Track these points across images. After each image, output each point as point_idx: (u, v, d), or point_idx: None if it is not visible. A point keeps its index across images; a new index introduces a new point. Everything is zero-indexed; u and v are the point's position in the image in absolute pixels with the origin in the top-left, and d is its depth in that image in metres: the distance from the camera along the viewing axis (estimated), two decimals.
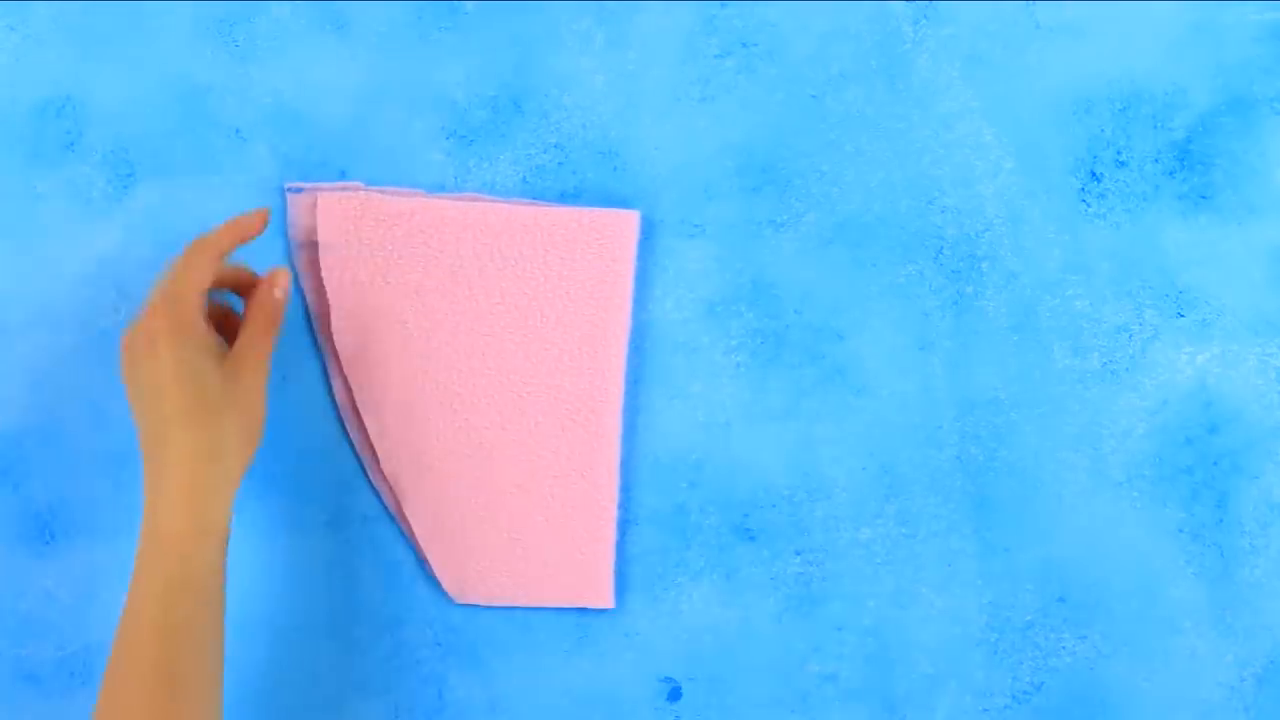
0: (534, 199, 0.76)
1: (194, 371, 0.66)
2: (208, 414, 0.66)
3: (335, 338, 0.74)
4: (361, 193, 0.75)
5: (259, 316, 0.70)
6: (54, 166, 0.77)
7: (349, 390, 0.75)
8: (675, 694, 0.75)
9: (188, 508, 0.65)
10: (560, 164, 0.76)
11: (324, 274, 0.74)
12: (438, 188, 0.76)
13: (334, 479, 0.75)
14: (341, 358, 0.75)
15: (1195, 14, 0.76)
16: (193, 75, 0.77)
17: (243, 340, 0.69)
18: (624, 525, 0.75)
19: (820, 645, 0.74)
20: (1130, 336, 0.75)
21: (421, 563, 0.75)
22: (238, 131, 0.77)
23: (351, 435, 0.75)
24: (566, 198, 0.76)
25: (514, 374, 0.75)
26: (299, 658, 0.74)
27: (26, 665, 0.75)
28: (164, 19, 0.77)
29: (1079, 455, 0.75)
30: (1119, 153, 0.76)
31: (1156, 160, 0.76)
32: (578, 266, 0.75)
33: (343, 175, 0.76)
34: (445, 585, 0.74)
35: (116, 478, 0.75)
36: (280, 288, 0.70)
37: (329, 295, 0.75)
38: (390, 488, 0.74)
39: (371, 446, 0.75)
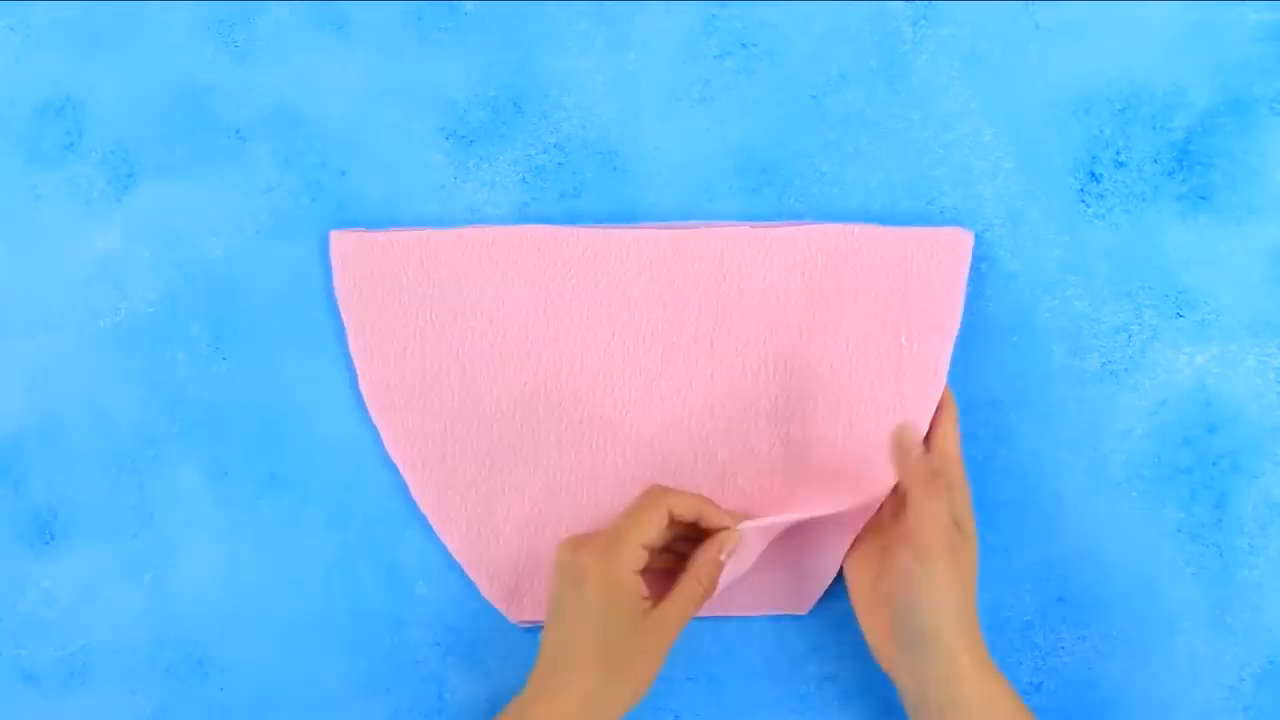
0: (534, 199, 0.76)
1: (611, 624, 0.66)
2: (609, 665, 0.66)
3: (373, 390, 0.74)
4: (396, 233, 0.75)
5: (695, 586, 0.68)
6: (54, 166, 0.77)
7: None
8: (675, 694, 0.75)
9: None
10: (560, 164, 0.76)
11: (346, 314, 0.75)
12: (437, 188, 0.76)
13: (335, 479, 0.75)
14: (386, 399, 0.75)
15: (1195, 14, 0.76)
16: (193, 75, 0.77)
17: (672, 604, 0.67)
18: None
19: (820, 645, 0.75)
20: (1129, 337, 0.75)
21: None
22: (238, 131, 0.77)
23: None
24: (566, 198, 0.76)
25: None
26: (299, 658, 0.75)
27: (26, 665, 0.75)
28: (164, 19, 0.77)
29: (1078, 455, 0.75)
30: (1118, 153, 0.76)
31: (1156, 160, 0.76)
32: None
33: (342, 175, 0.76)
34: (499, 608, 0.74)
35: (116, 478, 0.75)
36: (726, 551, 0.68)
37: (363, 337, 0.74)
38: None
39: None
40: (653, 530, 0.67)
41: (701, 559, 0.68)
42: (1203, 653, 0.74)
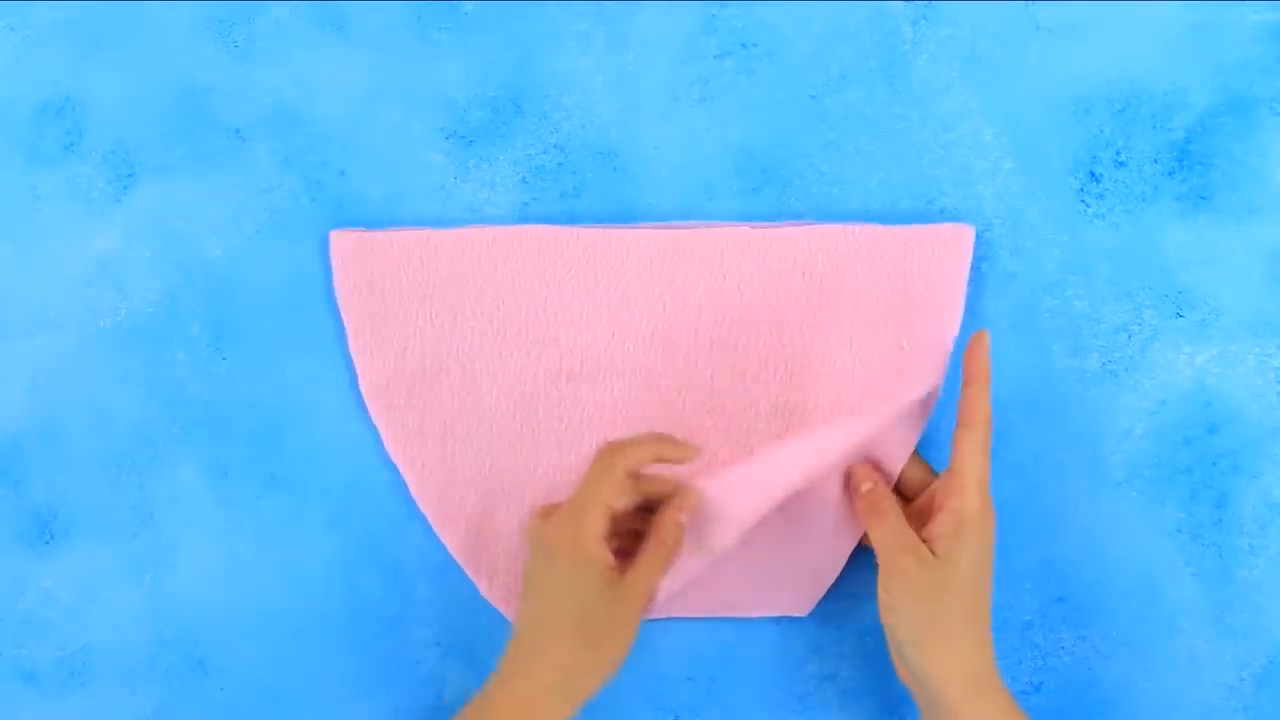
0: (535, 199, 0.76)
1: (582, 592, 0.65)
2: (584, 636, 0.65)
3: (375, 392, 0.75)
4: (395, 232, 0.75)
5: (659, 548, 0.67)
6: (54, 166, 0.77)
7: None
8: (675, 694, 0.75)
9: (526, 709, 0.65)
10: (560, 164, 0.76)
11: (346, 314, 0.74)
12: (437, 188, 0.76)
13: (335, 479, 0.75)
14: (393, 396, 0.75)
15: (1195, 14, 0.76)
16: (193, 75, 0.77)
17: (638, 570, 0.66)
18: None
19: (820, 645, 0.75)
20: (1129, 337, 0.75)
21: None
22: (238, 131, 0.77)
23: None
24: (566, 198, 0.76)
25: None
26: (299, 658, 0.75)
27: (26, 665, 0.75)
28: (164, 19, 0.77)
29: (1078, 455, 0.75)
30: (1118, 153, 0.76)
31: (1156, 160, 0.76)
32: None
33: (342, 175, 0.76)
34: (499, 608, 0.74)
35: (116, 478, 0.75)
36: (685, 510, 0.68)
37: (363, 336, 0.75)
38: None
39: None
40: (614, 490, 0.66)
41: (662, 520, 0.68)
42: (1203, 653, 0.74)
